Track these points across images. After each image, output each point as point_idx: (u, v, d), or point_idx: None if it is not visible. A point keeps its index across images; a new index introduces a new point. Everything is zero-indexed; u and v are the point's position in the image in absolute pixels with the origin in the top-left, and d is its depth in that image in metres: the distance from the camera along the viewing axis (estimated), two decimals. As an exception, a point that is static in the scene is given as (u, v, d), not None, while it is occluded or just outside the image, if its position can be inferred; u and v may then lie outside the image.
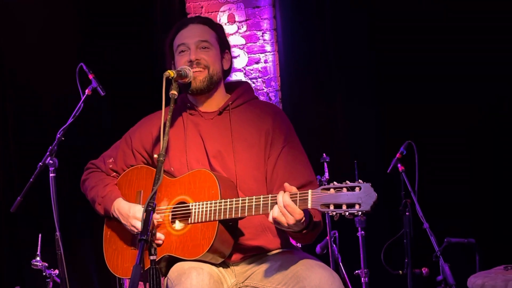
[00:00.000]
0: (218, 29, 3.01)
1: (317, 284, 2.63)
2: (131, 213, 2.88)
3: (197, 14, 5.78)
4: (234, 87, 3.05)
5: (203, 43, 2.92)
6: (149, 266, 2.53)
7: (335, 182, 2.46)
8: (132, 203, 2.94)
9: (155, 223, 2.81)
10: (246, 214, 2.66)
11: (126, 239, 2.96)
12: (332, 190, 2.45)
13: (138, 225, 2.82)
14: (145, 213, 2.47)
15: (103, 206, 3.00)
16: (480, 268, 4.15)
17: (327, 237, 4.40)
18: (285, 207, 2.51)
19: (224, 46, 3.02)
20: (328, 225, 4.33)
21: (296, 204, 2.51)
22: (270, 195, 2.61)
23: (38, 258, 4.19)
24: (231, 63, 3.07)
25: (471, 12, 4.81)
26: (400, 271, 4.39)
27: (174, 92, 2.74)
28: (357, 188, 2.41)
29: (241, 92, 3.01)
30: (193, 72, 2.89)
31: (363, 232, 4.46)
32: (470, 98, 4.88)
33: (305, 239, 2.75)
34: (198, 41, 2.92)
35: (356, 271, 4.49)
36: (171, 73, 2.76)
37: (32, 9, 5.56)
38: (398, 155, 4.47)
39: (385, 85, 5.12)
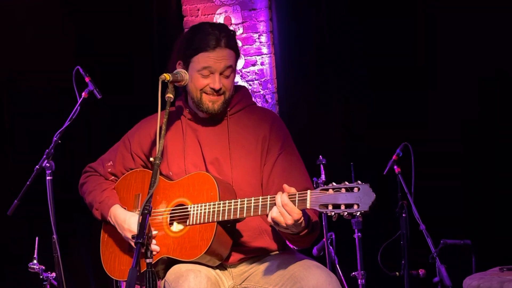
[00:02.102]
0: (238, 50, 2.96)
1: (314, 284, 2.64)
2: (126, 224, 2.88)
3: (193, 17, 5.79)
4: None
5: (227, 70, 2.88)
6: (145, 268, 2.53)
7: (333, 183, 2.47)
8: (129, 211, 2.94)
9: (153, 233, 2.81)
10: (244, 215, 2.67)
11: (123, 242, 2.96)
12: (330, 191, 2.46)
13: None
14: (141, 216, 2.47)
15: (100, 212, 3.00)
16: (476, 270, 4.15)
17: (324, 239, 4.40)
18: (283, 207, 2.52)
19: (236, 64, 2.99)
20: (325, 227, 4.33)
21: (295, 205, 2.51)
22: (269, 196, 2.62)
23: (35, 261, 4.18)
24: None
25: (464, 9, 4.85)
26: (397, 273, 4.40)
27: (170, 95, 2.74)
28: (355, 189, 2.42)
29: (239, 98, 3.00)
30: (211, 97, 2.87)
31: (359, 234, 4.46)
32: (467, 99, 4.90)
33: (303, 242, 2.75)
34: (224, 68, 2.87)
35: (353, 273, 4.49)
36: (167, 76, 2.75)
37: (28, 10, 5.56)
38: (394, 157, 4.47)
39: (381, 87, 5.13)
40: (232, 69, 2.91)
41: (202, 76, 2.87)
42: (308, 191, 2.51)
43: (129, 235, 2.86)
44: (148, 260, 2.52)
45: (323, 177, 4.39)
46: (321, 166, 4.41)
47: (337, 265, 4.47)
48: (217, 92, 2.87)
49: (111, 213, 2.95)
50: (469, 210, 4.87)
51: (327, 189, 2.47)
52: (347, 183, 2.45)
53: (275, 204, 2.55)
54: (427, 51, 5.03)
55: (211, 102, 2.89)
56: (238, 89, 3.06)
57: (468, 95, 4.88)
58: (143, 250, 2.47)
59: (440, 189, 4.86)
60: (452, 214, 4.85)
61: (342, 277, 4.46)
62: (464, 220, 4.87)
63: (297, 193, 2.53)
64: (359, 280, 4.47)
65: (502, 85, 4.84)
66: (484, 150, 4.88)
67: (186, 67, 2.90)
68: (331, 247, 4.46)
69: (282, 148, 2.91)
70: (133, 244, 2.81)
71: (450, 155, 4.89)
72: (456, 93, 4.91)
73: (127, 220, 2.89)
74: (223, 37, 2.88)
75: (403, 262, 4.32)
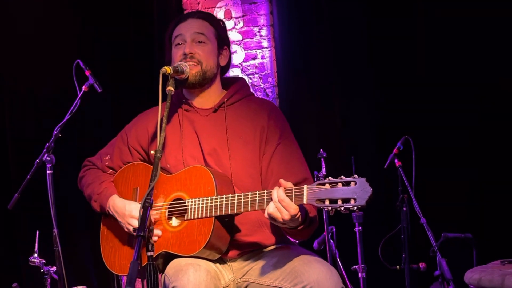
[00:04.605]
0: (217, 25, 3.00)
1: (315, 279, 2.62)
2: (127, 211, 2.87)
3: (194, 10, 5.78)
4: (230, 83, 3.05)
5: (199, 36, 2.91)
6: (146, 262, 2.53)
7: (330, 177, 2.45)
8: (127, 200, 2.94)
9: (152, 219, 2.81)
10: (242, 210, 2.66)
11: (123, 236, 2.96)
12: (327, 185, 2.44)
13: (135, 223, 2.82)
14: (142, 209, 2.46)
15: (99, 203, 3.00)
16: (477, 263, 4.15)
17: (325, 233, 4.40)
18: (279, 202, 2.50)
19: (222, 42, 3.01)
20: (326, 221, 4.33)
21: (291, 200, 2.50)
22: (265, 191, 2.60)
23: (35, 255, 4.19)
24: (230, 59, 3.06)
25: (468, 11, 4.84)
26: (398, 266, 4.40)
27: (170, 88, 2.73)
28: (352, 183, 2.40)
29: (236, 88, 3.01)
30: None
31: (360, 228, 4.47)
32: (467, 94, 4.89)
33: (301, 235, 2.75)
34: (194, 33, 2.91)
35: (354, 267, 4.50)
36: (167, 69, 2.76)
37: (27, 6, 5.55)
38: (395, 150, 4.47)
39: (383, 79, 5.12)
40: (206, 38, 2.94)
41: (177, 48, 2.93)
42: (305, 186, 2.49)
43: (130, 221, 2.84)
44: (149, 253, 2.51)
45: (323, 170, 4.39)
46: (322, 159, 4.41)
47: (338, 259, 4.48)
48: (190, 57, 2.88)
49: (110, 203, 2.95)
50: (470, 204, 4.87)
51: (323, 184, 2.45)
52: (343, 177, 2.43)
53: (271, 199, 2.54)
54: (429, 42, 5.03)
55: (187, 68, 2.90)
56: (236, 80, 3.07)
57: (469, 89, 4.88)
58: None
59: (441, 183, 4.85)
60: (453, 208, 4.85)
61: (343, 271, 4.46)
62: (465, 213, 4.87)
63: (293, 188, 2.51)
64: (359, 274, 4.47)
65: (503, 82, 4.83)
66: (485, 143, 4.87)
67: (170, 50, 2.97)
68: (332, 241, 4.46)
69: (281, 138, 2.90)
70: (131, 230, 2.83)
71: (450, 149, 4.89)
72: (457, 87, 4.91)
73: (127, 207, 2.88)
74: (198, 12, 2.98)
75: (403, 255, 4.32)
